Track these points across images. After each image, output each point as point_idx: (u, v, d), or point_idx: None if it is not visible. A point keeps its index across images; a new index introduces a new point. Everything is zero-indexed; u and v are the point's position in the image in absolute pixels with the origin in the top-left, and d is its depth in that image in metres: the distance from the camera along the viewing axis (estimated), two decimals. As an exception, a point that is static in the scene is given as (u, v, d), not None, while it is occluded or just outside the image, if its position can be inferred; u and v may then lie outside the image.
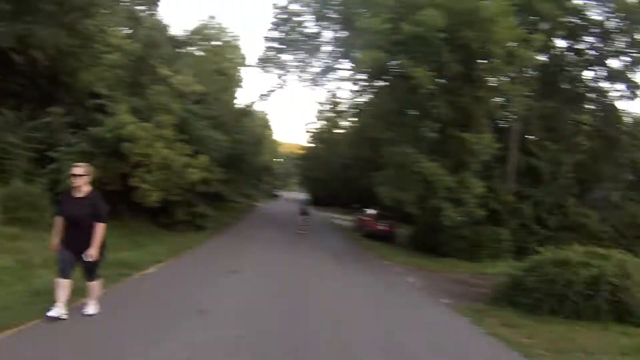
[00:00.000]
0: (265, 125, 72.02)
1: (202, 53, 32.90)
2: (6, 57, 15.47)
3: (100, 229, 7.06)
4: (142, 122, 15.83)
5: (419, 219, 25.37)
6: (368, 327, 9.10)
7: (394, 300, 12.52)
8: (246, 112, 32.40)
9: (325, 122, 65.52)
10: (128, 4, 25.83)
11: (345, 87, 74.37)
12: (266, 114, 74.66)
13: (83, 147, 15.72)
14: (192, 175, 16.63)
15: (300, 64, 28.27)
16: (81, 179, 7.09)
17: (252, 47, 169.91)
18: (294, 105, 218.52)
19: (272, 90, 33.16)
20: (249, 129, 34.05)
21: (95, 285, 7.49)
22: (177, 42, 20.81)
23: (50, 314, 6.88)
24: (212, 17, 42.64)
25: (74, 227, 7.03)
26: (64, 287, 7.02)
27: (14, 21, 15.45)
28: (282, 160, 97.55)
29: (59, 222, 7.18)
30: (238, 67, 40.14)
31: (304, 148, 71.83)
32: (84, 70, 18.83)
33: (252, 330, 7.84)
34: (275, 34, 27.49)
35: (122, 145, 15.47)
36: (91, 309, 7.49)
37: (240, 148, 26.34)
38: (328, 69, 27.91)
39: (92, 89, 18.44)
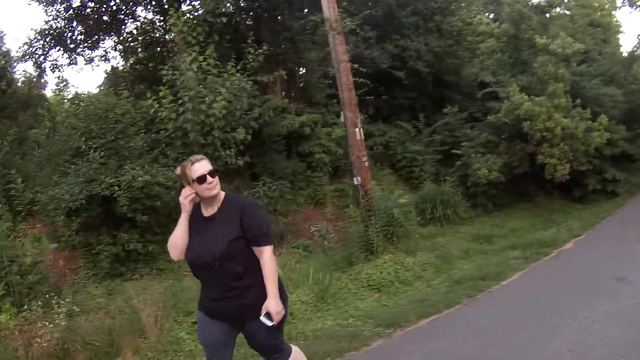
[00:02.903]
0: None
1: (568, 11, 30.51)
2: (390, 76, 16.64)
3: (269, 258, 3.88)
4: (535, 97, 15.24)
5: None
6: None
7: None
8: (635, 58, 28.77)
9: None
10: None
11: None
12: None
13: (485, 137, 15.85)
14: (595, 139, 15.32)
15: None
16: (215, 181, 3.88)
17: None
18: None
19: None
20: (642, 76, 30.06)
21: None
22: (541, 8, 19.65)
23: None
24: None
25: (212, 273, 3.84)
26: None
27: (382, 43, 16.63)
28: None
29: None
30: (612, 13, 36.12)
31: None
32: (465, 65, 19.11)
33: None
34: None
35: (521, 126, 15.10)
36: None
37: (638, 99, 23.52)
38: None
39: (478, 80, 18.59)
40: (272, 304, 3.80)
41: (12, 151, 12.02)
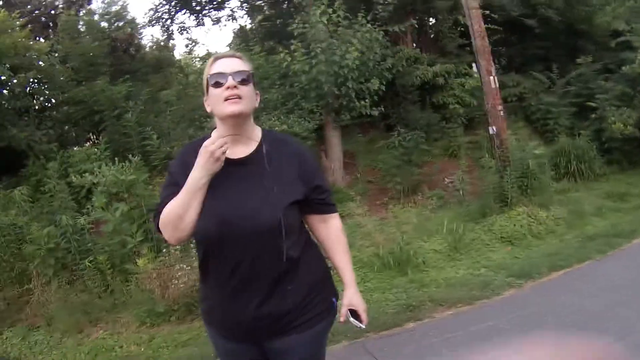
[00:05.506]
0: None
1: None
2: (520, 24, 16.21)
3: (341, 228, 2.65)
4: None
5: None
6: None
7: None
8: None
9: None
10: None
11: None
12: None
13: (620, 90, 15.18)
14: None
15: None
16: (246, 91, 2.25)
17: None
18: None
19: None
20: None
21: None
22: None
23: None
24: None
25: (248, 256, 2.23)
26: None
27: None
28: None
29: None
30: None
31: None
32: (597, 13, 18.21)
33: None
34: None
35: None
36: None
37: None
38: None
39: (611, 28, 17.69)
40: (359, 298, 2.57)
41: (146, 110, 12.63)
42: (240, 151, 2.32)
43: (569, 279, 6.90)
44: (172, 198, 2.23)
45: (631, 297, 5.90)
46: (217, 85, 2.23)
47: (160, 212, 2.29)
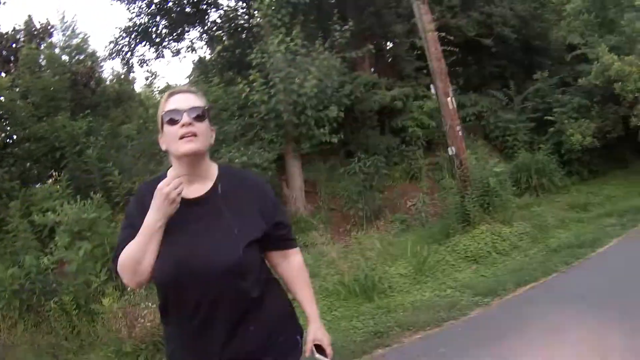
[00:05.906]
0: None
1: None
2: (477, 45, 16.59)
3: (303, 263, 2.56)
4: (625, 57, 14.77)
5: None
6: None
7: None
8: None
9: None
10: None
11: None
12: None
13: (577, 102, 15.54)
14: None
15: None
16: (202, 129, 2.18)
17: None
18: None
19: None
20: None
21: None
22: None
23: None
24: None
25: (207, 301, 2.13)
26: None
27: (467, 10, 16.54)
28: None
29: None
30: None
31: None
32: (552, 29, 18.69)
33: None
34: None
35: (613, 87, 14.72)
36: None
37: None
38: None
39: (566, 42, 18.13)
40: (323, 332, 2.48)
41: (107, 145, 12.50)
42: (196, 190, 2.23)
43: (536, 293, 6.98)
44: (129, 241, 2.15)
45: (598, 305, 5.98)
46: (172, 122, 2.15)
47: (118, 256, 2.19)
